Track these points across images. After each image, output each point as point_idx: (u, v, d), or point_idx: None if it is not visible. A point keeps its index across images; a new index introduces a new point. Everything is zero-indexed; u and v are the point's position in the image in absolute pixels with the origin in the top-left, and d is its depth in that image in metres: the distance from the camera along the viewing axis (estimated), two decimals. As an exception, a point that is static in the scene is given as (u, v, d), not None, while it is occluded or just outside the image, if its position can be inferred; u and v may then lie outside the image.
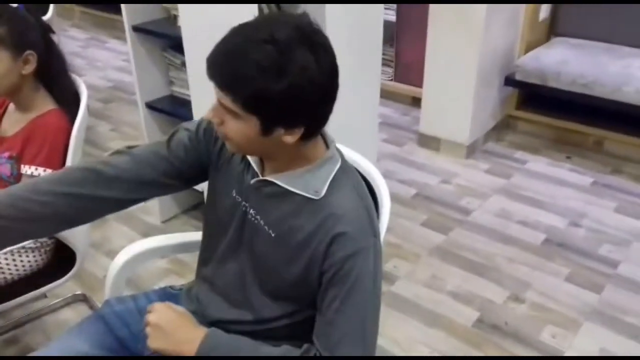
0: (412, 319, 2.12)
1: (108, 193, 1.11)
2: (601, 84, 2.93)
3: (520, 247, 2.49)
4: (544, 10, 3.31)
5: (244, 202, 1.14)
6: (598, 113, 3.12)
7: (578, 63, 3.05)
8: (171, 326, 1.09)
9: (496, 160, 3.19)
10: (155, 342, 1.09)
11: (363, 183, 1.14)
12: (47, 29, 1.56)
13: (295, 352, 1.06)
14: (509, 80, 3.24)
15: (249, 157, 1.14)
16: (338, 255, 1.02)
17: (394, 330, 2.03)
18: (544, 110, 3.35)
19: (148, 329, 1.10)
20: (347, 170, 1.11)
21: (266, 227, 1.10)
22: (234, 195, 1.16)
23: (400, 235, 2.56)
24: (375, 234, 1.07)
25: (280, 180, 1.08)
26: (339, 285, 1.02)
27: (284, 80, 0.91)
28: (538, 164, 3.14)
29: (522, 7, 3.19)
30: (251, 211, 1.12)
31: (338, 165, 1.09)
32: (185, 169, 1.17)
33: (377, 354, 1.10)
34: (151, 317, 1.10)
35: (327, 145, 1.11)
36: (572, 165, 3.12)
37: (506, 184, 2.97)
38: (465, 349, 2.01)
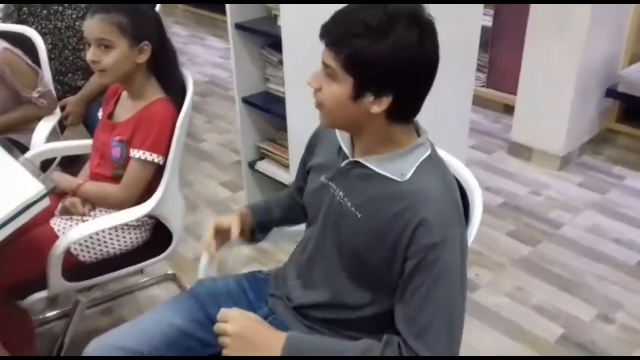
0: (492, 329, 2.08)
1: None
2: None
3: (612, 266, 2.38)
4: (653, 20, 3.13)
5: (333, 185, 1.18)
6: None
7: (689, 77, 2.87)
8: (251, 334, 1.08)
9: (592, 174, 3.06)
10: (236, 352, 1.08)
11: (452, 175, 1.14)
12: (161, 24, 1.66)
13: (377, 345, 1.07)
14: (611, 92, 3.10)
15: (340, 139, 1.18)
16: (423, 243, 1.02)
17: (472, 339, 2.00)
18: (647, 125, 3.17)
19: (226, 340, 1.08)
20: (436, 160, 1.13)
21: (353, 209, 1.12)
22: (323, 180, 1.20)
23: (484, 244, 2.51)
24: (462, 223, 1.07)
25: (369, 162, 1.11)
26: (425, 273, 1.03)
27: (384, 42, 0.97)
28: (638, 181, 2.98)
29: (629, 18, 3.04)
30: (340, 193, 1.16)
31: (428, 154, 1.11)
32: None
33: (454, 360, 1.09)
34: (230, 327, 1.08)
35: (418, 135, 1.13)
36: (676, 184, 2.94)
37: (601, 199, 2.84)
38: (547, 365, 1.95)
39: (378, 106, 1.03)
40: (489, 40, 3.62)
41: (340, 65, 1.01)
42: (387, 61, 0.98)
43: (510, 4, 3.46)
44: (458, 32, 2.11)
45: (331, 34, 1.02)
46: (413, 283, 1.04)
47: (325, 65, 1.04)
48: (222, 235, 1.33)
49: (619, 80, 3.05)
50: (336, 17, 1.03)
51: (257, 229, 1.40)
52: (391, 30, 0.97)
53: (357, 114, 1.05)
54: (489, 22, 3.57)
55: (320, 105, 1.09)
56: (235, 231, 1.30)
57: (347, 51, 1.00)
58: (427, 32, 1.00)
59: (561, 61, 2.88)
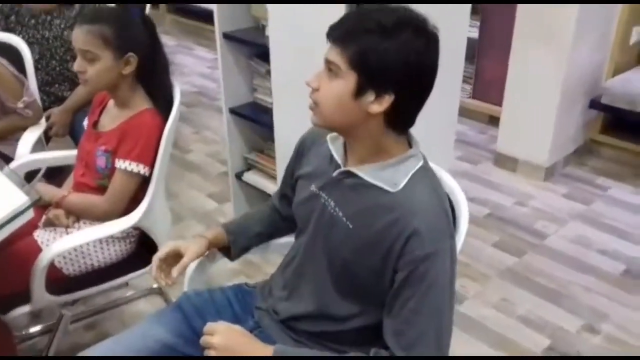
0: (477, 341, 2.08)
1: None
2: (696, 112, 2.78)
3: (597, 277, 2.39)
4: (636, 33, 3.18)
5: (323, 195, 1.17)
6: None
7: (671, 89, 2.92)
8: (237, 346, 1.08)
9: (576, 185, 3.08)
10: None
11: (442, 187, 1.15)
12: (154, 32, 1.65)
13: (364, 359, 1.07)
14: (595, 103, 3.13)
15: (332, 148, 1.17)
16: (414, 255, 1.02)
17: (458, 350, 2.00)
18: (630, 136, 3.21)
19: (212, 352, 1.07)
20: (428, 171, 1.13)
21: (344, 219, 1.12)
22: (313, 189, 1.20)
23: (469, 255, 2.52)
24: (452, 235, 1.08)
25: (362, 172, 1.10)
26: (415, 285, 1.03)
27: (394, 42, 0.99)
28: (621, 191, 3.01)
29: (613, 30, 3.08)
30: (331, 203, 1.15)
31: (420, 164, 1.11)
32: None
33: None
34: (216, 340, 1.07)
35: (410, 147, 1.13)
36: (659, 195, 2.97)
37: (586, 210, 2.86)
38: (533, 375, 1.95)
39: (378, 105, 1.03)
40: (475, 52, 3.65)
41: (346, 60, 1.02)
42: (394, 60, 1.00)
43: (496, 15, 3.50)
44: (444, 43, 2.11)
45: (340, 29, 1.04)
46: (402, 295, 1.04)
47: (329, 63, 1.04)
48: (177, 260, 1.30)
49: (603, 91, 3.09)
50: (346, 16, 1.06)
51: (232, 247, 1.38)
52: (400, 33, 1.00)
53: (355, 112, 1.05)
54: (474, 33, 3.60)
55: (315, 105, 1.08)
56: (185, 260, 1.28)
57: (355, 47, 1.01)
58: (431, 42, 1.04)
59: (546, 72, 2.91)
